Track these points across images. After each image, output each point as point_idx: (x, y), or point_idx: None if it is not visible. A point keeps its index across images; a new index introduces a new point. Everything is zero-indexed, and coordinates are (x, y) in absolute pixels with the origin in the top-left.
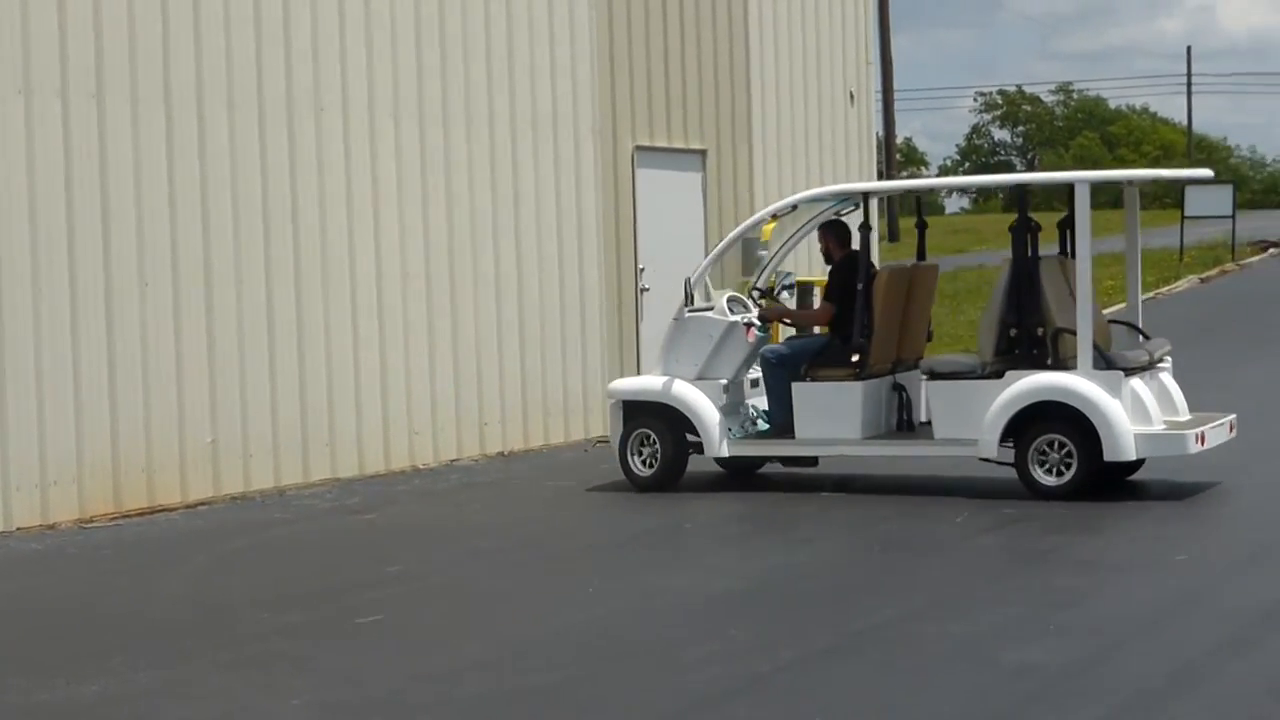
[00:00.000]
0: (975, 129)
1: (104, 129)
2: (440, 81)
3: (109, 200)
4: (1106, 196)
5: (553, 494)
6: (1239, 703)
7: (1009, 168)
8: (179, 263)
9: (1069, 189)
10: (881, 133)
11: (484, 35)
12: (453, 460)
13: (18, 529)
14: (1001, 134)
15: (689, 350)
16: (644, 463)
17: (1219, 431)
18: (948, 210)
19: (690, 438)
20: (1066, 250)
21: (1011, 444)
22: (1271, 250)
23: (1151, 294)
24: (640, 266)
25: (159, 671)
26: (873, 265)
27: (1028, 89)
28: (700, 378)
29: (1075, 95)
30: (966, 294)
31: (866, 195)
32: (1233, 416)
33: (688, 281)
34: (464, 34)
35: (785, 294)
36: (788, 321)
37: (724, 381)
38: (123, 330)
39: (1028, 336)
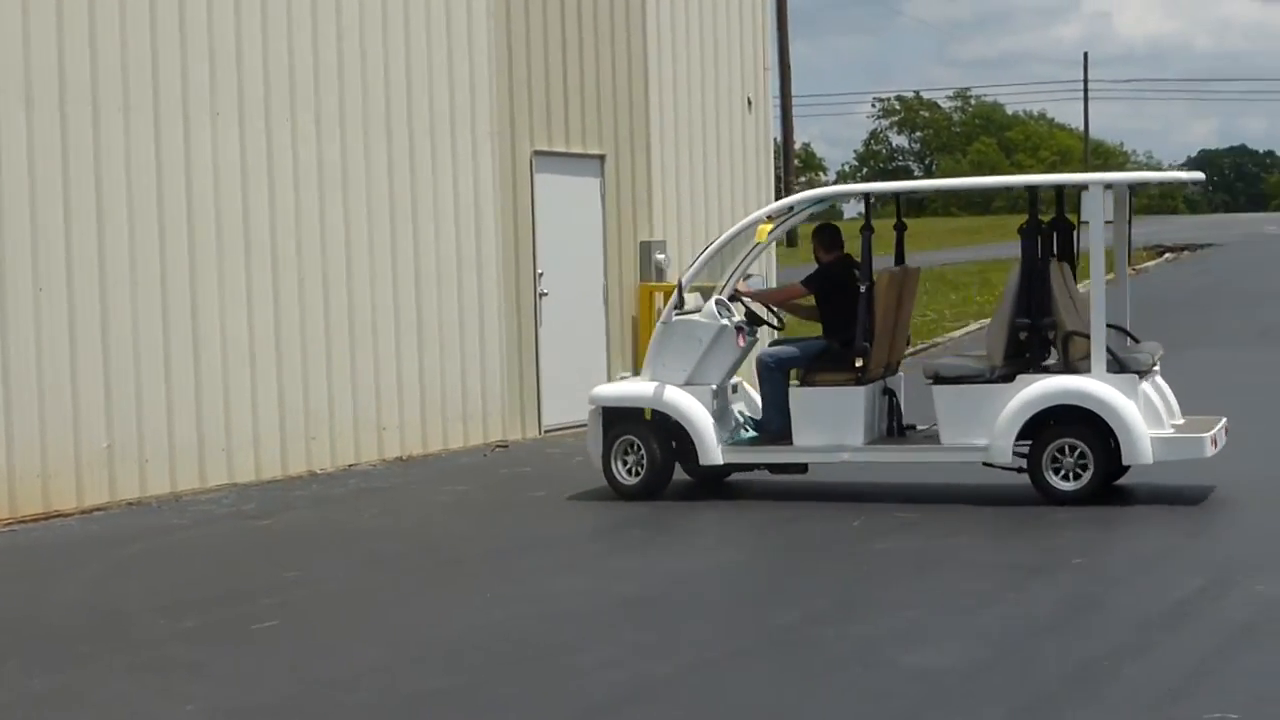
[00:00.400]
0: (873, 135)
1: None
2: (338, 85)
3: (1, 204)
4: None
5: (451, 499)
6: (1136, 706)
7: (907, 173)
8: (73, 267)
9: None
10: (780, 138)
11: (382, 39)
12: (350, 465)
13: None
14: (899, 140)
15: (676, 354)
16: (629, 471)
17: (1221, 435)
18: (845, 216)
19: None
20: (1051, 253)
21: (1023, 449)
22: (1168, 256)
23: None
24: (539, 271)
25: (53, 677)
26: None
27: (925, 95)
28: (688, 383)
29: (973, 101)
30: None
31: (868, 196)
32: (1225, 420)
33: (680, 284)
34: (361, 38)
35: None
36: (768, 306)
37: (713, 387)
38: (17, 335)
39: (1038, 339)
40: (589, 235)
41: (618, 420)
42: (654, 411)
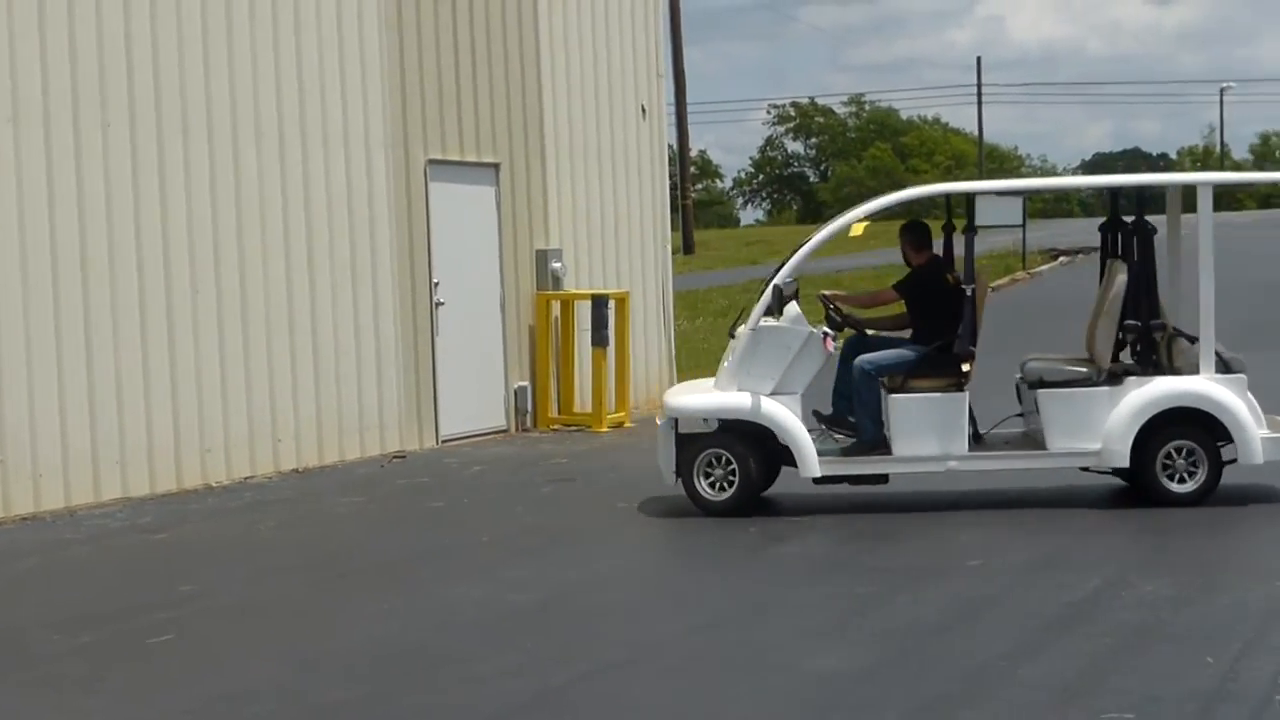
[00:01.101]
0: (769, 141)
1: None
2: (229, 95)
3: None
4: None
5: (348, 510)
6: (1031, 707)
7: (802, 179)
8: None
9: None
10: (675, 146)
11: (273, 49)
12: (246, 478)
13: None
14: (795, 146)
15: (765, 362)
16: (714, 486)
17: None
18: (742, 223)
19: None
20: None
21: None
22: (1062, 259)
23: None
24: (435, 280)
25: None
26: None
27: (820, 101)
28: (775, 392)
29: (867, 107)
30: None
31: (971, 196)
32: None
33: (776, 288)
34: (253, 48)
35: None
36: (849, 315)
37: (799, 395)
38: None
39: (1144, 341)
40: (485, 244)
41: (706, 433)
42: (721, 422)
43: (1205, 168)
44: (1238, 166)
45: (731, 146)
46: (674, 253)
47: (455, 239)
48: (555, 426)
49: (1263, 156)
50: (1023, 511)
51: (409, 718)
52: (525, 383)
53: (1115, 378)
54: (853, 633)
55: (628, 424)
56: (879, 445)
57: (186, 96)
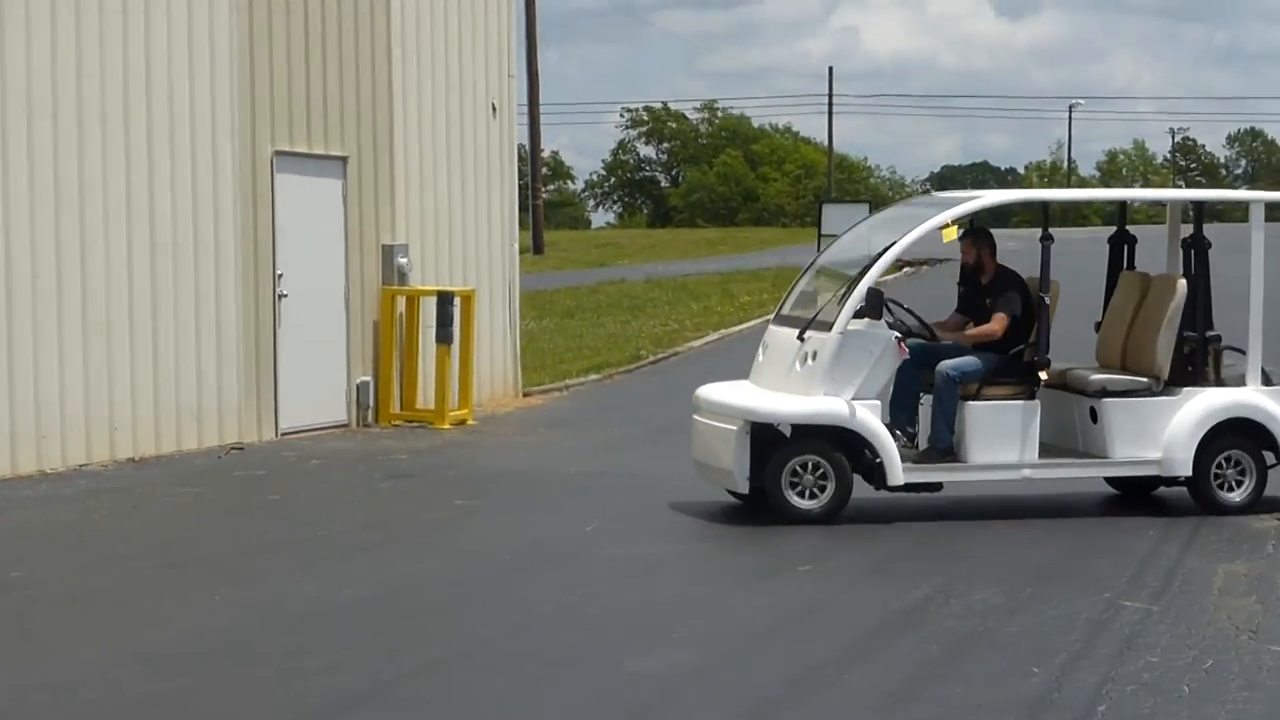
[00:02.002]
0: (621, 144)
1: None
2: (75, 78)
3: None
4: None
5: (183, 501)
6: (857, 711)
7: (654, 183)
8: None
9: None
10: (527, 145)
11: (121, 34)
12: (82, 465)
13: None
14: (647, 150)
15: (848, 367)
16: (803, 494)
17: None
18: (593, 225)
19: None
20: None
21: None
22: (908, 269)
23: None
24: (279, 272)
25: None
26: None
27: (673, 106)
28: (855, 397)
29: (720, 113)
30: (607, 307)
31: (1046, 205)
32: None
33: (874, 292)
34: (100, 32)
35: None
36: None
37: (878, 400)
38: None
39: (1199, 353)
40: (330, 237)
41: (792, 440)
42: (795, 428)
43: (1053, 183)
44: (1084, 183)
45: (584, 149)
46: (523, 252)
47: (300, 231)
48: (397, 422)
49: (1109, 174)
50: (855, 520)
51: (232, 711)
52: (368, 377)
53: (1172, 389)
54: (680, 634)
55: (470, 421)
56: (950, 452)
57: (31, 79)
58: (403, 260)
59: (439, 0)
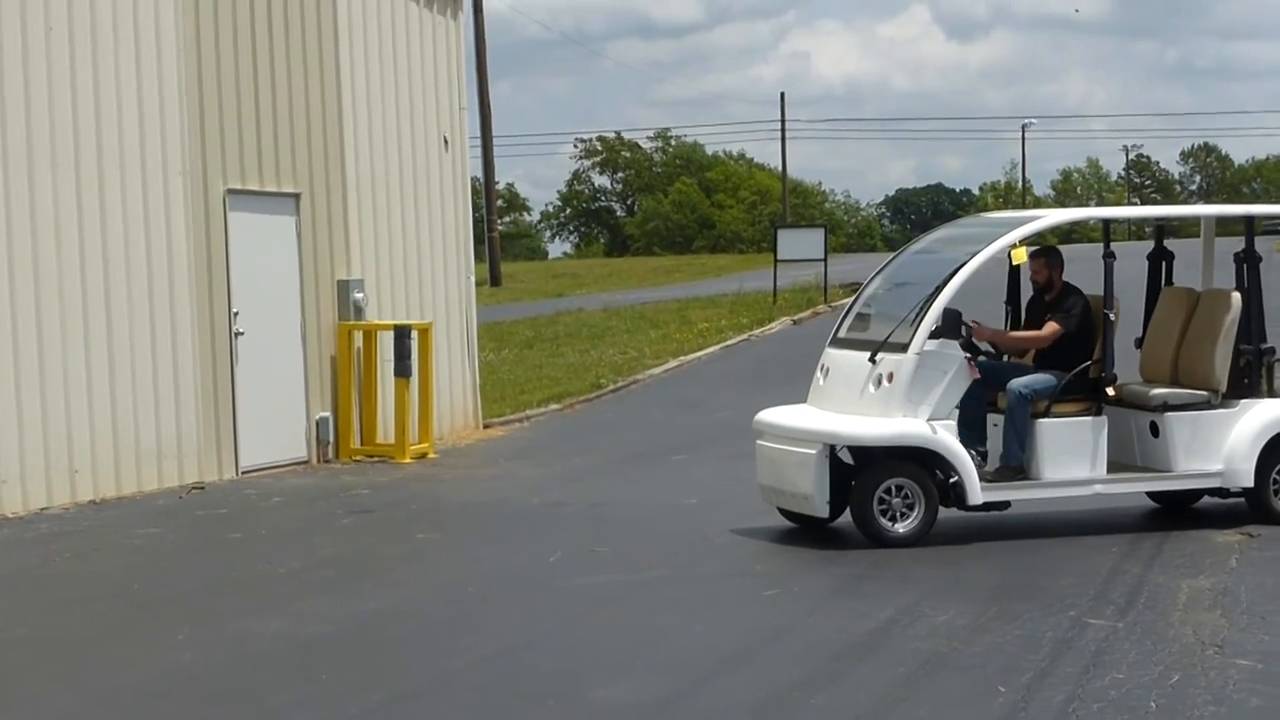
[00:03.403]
0: (576, 175)
1: None
2: (24, 115)
3: None
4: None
5: (145, 542)
6: None
7: (610, 213)
8: None
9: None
10: (481, 177)
11: (69, 74)
12: (42, 509)
13: None
14: (602, 180)
15: (923, 388)
16: (892, 517)
17: None
18: (550, 255)
19: None
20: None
21: None
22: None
23: (745, 335)
24: (235, 310)
25: None
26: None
27: (626, 135)
28: (932, 418)
29: (673, 141)
30: (566, 337)
31: (1108, 223)
32: None
33: (952, 313)
34: (49, 72)
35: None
36: (1007, 342)
37: (953, 421)
38: None
39: (1254, 366)
40: (285, 274)
41: (876, 462)
42: (929, 451)
43: (1008, 203)
44: (1039, 202)
45: (539, 180)
46: (480, 284)
47: (255, 269)
48: (357, 457)
49: (1063, 192)
50: (816, 544)
51: None
52: (327, 413)
53: (1229, 401)
54: (643, 662)
55: (431, 455)
56: (1021, 469)
57: (22, 137)
58: (358, 295)
59: (388, 33)
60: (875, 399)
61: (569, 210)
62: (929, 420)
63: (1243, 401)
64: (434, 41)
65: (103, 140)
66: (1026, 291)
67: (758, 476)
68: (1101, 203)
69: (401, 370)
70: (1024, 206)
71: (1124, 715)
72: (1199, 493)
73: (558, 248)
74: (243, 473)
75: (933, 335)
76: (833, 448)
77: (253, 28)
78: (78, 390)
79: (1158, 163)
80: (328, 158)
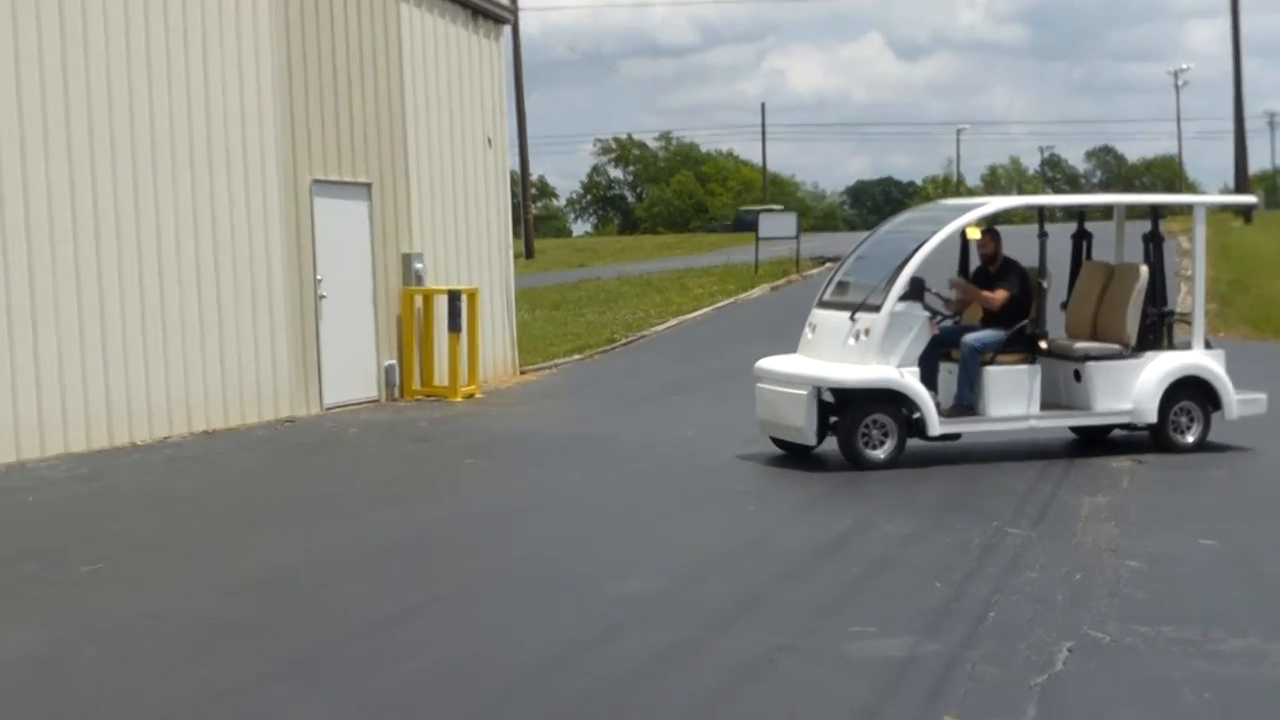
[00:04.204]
0: (595, 169)
1: None
2: (149, 124)
3: None
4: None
5: (247, 465)
6: (791, 621)
7: (622, 200)
8: None
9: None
10: (518, 170)
11: (190, 89)
12: (165, 438)
13: None
14: (616, 173)
15: (893, 341)
16: (872, 445)
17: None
18: (574, 234)
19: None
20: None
21: None
22: (828, 264)
23: (732, 299)
24: (319, 278)
25: None
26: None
27: (636, 136)
28: (900, 365)
29: (674, 141)
30: (587, 300)
31: (1041, 209)
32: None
33: (917, 280)
34: (169, 90)
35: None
36: (972, 296)
37: (916, 368)
38: None
39: (1158, 325)
40: (359, 248)
41: (856, 402)
42: (896, 392)
43: (946, 194)
44: (972, 193)
45: (565, 172)
46: (516, 257)
47: (335, 244)
48: (418, 397)
49: (990, 184)
50: (790, 464)
51: (290, 629)
52: (393, 361)
53: (1138, 353)
54: (649, 562)
55: (477, 395)
56: (971, 409)
57: (135, 128)
58: (419, 265)
59: (443, 52)
60: (854, 350)
61: (589, 197)
62: (898, 367)
63: (1148, 353)
64: (479, 59)
65: (212, 142)
66: (973, 264)
67: (757, 412)
68: (1021, 193)
69: (454, 326)
70: (959, 196)
71: (1037, 606)
72: (1111, 427)
73: (580, 227)
74: (325, 409)
75: (902, 298)
76: (819, 389)
77: (334, 50)
78: (194, 343)
79: (1067, 160)
80: (394, 154)
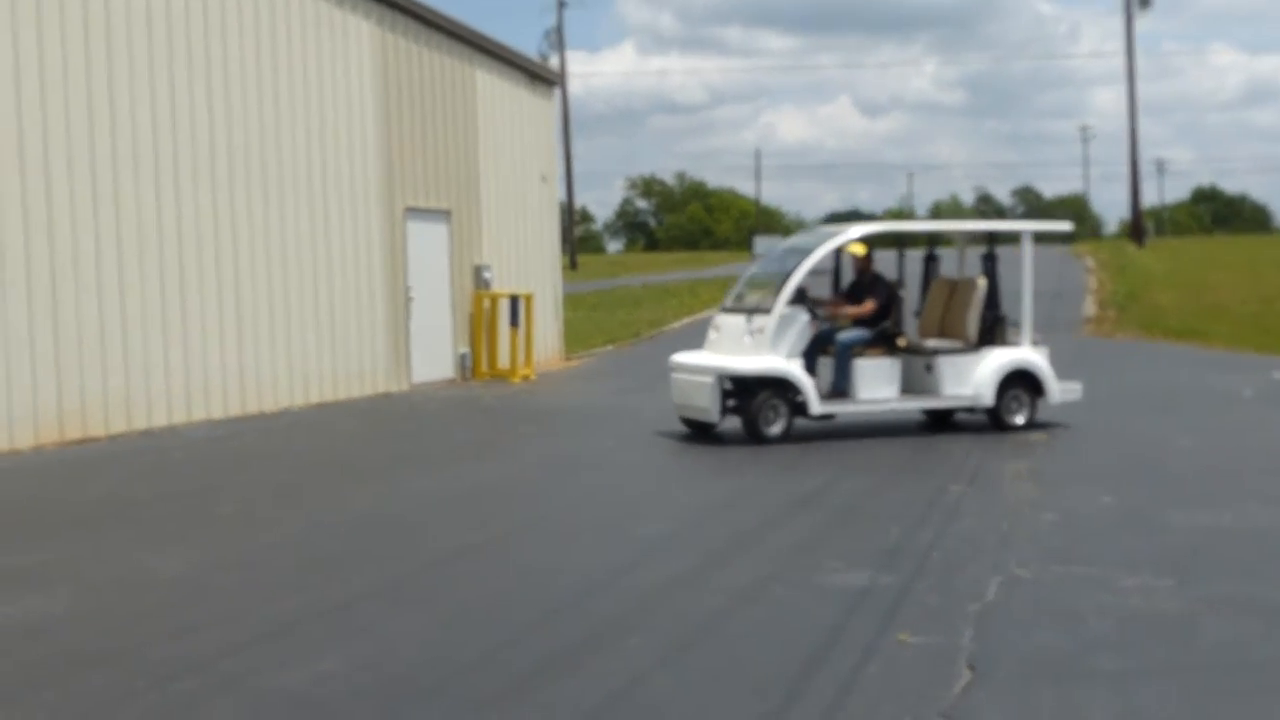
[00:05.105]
0: (625, 200)
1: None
2: (275, 157)
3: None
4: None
5: (352, 429)
6: (777, 557)
7: (646, 225)
8: (123, 270)
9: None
10: (565, 200)
11: (309, 134)
12: (286, 407)
13: None
14: (642, 203)
15: (783, 337)
16: (768, 424)
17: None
18: (608, 251)
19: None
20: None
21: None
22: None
23: None
24: (409, 284)
25: (83, 544)
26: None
27: (658, 175)
28: (787, 358)
29: (687, 179)
30: (618, 303)
31: (900, 234)
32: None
33: (801, 289)
34: (292, 136)
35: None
36: (842, 314)
37: (800, 359)
38: (75, 313)
39: (993, 326)
40: (440, 261)
41: (758, 388)
42: (785, 379)
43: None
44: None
45: (602, 202)
46: (564, 268)
47: (422, 257)
48: (484, 378)
49: (935, 214)
50: (777, 441)
51: (382, 559)
52: (466, 349)
53: (978, 349)
54: (665, 509)
55: (532, 377)
56: (845, 393)
57: (266, 165)
58: (487, 274)
59: (507, 107)
60: (750, 345)
61: (620, 222)
62: (786, 359)
63: (985, 349)
64: (536, 113)
65: (328, 173)
66: (845, 277)
67: (672, 397)
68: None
69: (514, 322)
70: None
71: (972, 546)
72: (955, 410)
73: (613, 246)
74: (413, 386)
75: (790, 303)
76: (722, 377)
77: (423, 103)
78: (313, 332)
79: (996, 196)
80: (469, 186)
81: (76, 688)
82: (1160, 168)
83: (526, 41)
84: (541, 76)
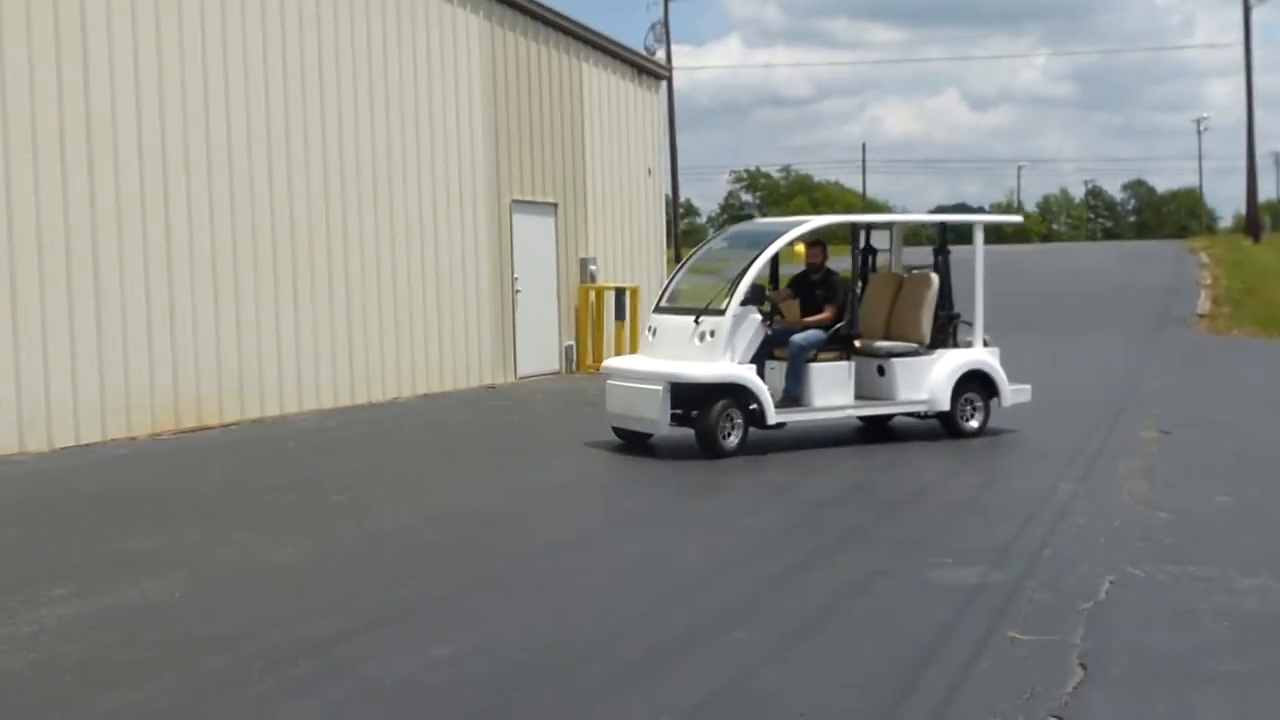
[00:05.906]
0: (730, 194)
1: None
2: (417, 161)
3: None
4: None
5: (459, 420)
6: (885, 553)
7: (750, 219)
8: (195, 270)
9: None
10: (670, 194)
11: (420, 134)
12: (395, 398)
13: (110, 439)
14: (747, 197)
15: (735, 341)
16: (725, 436)
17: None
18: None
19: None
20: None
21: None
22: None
23: None
24: (515, 276)
25: (200, 531)
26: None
27: (763, 169)
28: (741, 361)
29: (792, 173)
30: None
31: (855, 226)
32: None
33: (757, 287)
34: (404, 139)
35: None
36: (800, 322)
37: (751, 364)
38: (186, 312)
39: (946, 326)
40: (547, 254)
41: (716, 397)
42: (742, 386)
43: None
44: (1029, 216)
45: (707, 196)
46: (668, 261)
47: (528, 250)
48: (590, 370)
49: (1044, 210)
50: (777, 441)
51: (487, 549)
52: (572, 341)
53: (931, 351)
54: (771, 505)
55: None
56: (800, 400)
57: (392, 168)
58: (593, 268)
59: (614, 100)
60: (700, 349)
61: (725, 215)
62: (739, 364)
63: (939, 351)
64: (642, 107)
65: (436, 171)
66: (783, 272)
67: (608, 407)
68: (1070, 219)
69: (619, 315)
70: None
71: (1082, 545)
72: (892, 415)
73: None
74: (519, 378)
75: (743, 304)
76: (672, 384)
77: (530, 97)
78: (421, 324)
79: (1106, 191)
80: (575, 180)
81: (194, 670)
82: (1278, 161)
83: (633, 35)
84: (647, 69)
